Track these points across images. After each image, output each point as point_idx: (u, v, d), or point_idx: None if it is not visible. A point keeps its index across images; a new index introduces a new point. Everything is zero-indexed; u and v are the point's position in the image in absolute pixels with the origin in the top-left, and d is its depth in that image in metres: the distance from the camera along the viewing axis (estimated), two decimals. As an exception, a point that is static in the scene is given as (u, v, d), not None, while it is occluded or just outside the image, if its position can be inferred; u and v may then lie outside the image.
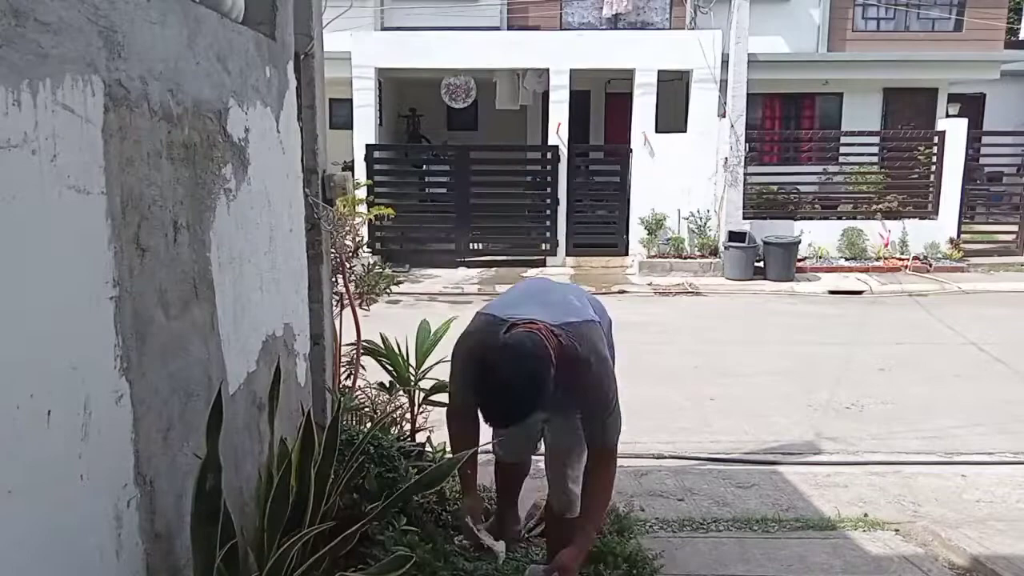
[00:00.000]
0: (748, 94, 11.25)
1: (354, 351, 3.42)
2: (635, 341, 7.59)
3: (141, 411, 1.58)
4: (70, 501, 1.37)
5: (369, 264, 3.67)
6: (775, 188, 12.71)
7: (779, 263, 10.83)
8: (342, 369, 3.35)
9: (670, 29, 13.64)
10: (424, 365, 3.49)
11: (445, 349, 3.39)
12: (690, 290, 10.26)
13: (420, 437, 3.50)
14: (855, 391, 5.81)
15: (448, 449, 2.84)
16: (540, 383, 2.01)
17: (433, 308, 7.70)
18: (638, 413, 5.31)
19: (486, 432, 2.30)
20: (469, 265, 11.70)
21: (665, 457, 4.48)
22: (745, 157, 11.48)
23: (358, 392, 3.43)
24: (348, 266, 3.32)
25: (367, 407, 3.41)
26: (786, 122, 15.22)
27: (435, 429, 3.61)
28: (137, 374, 1.56)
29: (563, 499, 2.69)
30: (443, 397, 3.27)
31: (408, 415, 3.53)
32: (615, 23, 13.91)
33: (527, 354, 2.02)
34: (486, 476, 3.33)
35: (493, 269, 11.56)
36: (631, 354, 6.99)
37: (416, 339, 3.53)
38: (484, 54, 11.72)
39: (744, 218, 11.46)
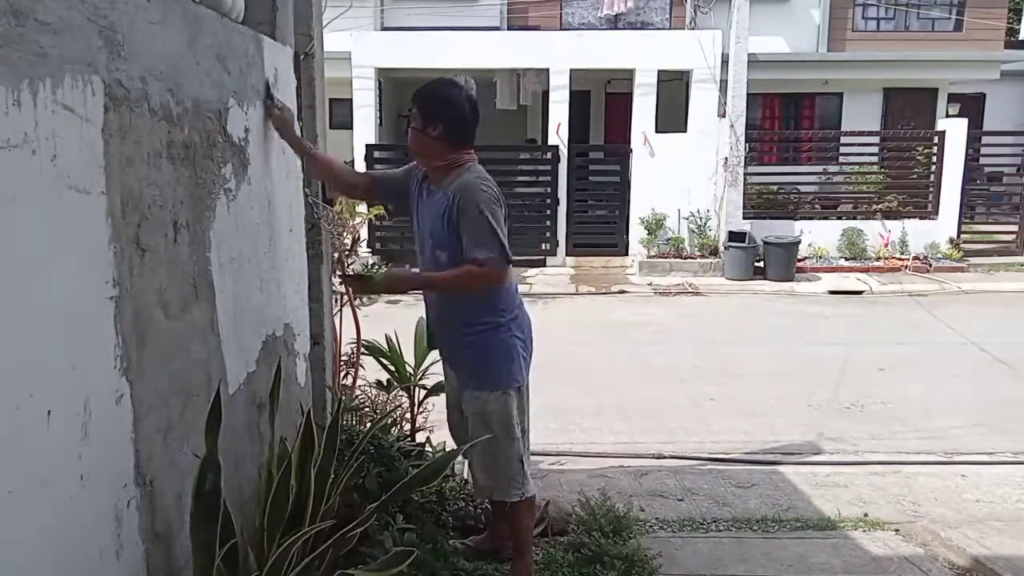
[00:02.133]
0: (748, 94, 11.25)
1: (354, 351, 3.42)
2: (635, 341, 7.61)
3: (141, 411, 1.58)
4: (70, 501, 1.37)
5: (367, 264, 3.67)
6: (775, 188, 12.71)
7: (779, 263, 10.83)
8: (342, 369, 3.35)
9: (670, 29, 13.64)
10: (423, 364, 3.49)
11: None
12: (690, 290, 10.26)
13: (420, 437, 3.50)
14: (855, 391, 5.81)
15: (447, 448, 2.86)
16: (453, 98, 2.58)
17: (433, 308, 7.65)
18: (638, 413, 5.34)
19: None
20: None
21: (665, 457, 4.48)
22: (745, 157, 11.47)
23: (358, 392, 3.43)
24: (346, 263, 3.32)
25: (367, 407, 3.41)
26: (786, 122, 15.23)
27: (435, 429, 3.61)
28: (137, 374, 1.56)
29: (476, 485, 2.81)
30: (443, 397, 3.27)
31: (408, 415, 3.53)
32: (615, 23, 13.91)
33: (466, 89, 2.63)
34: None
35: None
36: (631, 354, 7.03)
37: (414, 337, 3.53)
38: (484, 54, 11.71)
39: (744, 218, 11.46)
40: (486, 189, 2.52)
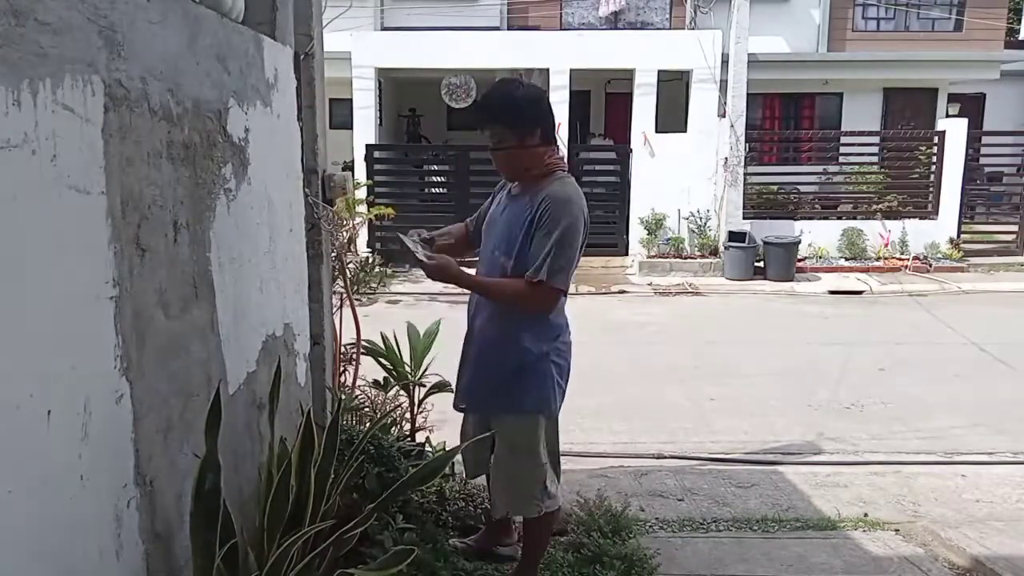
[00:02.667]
0: (748, 94, 11.26)
1: (353, 351, 3.42)
2: (635, 341, 7.61)
3: (141, 411, 1.58)
4: (70, 501, 1.37)
5: (362, 260, 3.67)
6: (775, 188, 12.71)
7: (779, 263, 10.83)
8: (341, 369, 3.35)
9: (670, 29, 13.65)
10: (423, 363, 3.49)
11: (441, 348, 3.40)
12: (690, 290, 10.26)
13: (420, 437, 3.50)
14: (855, 391, 5.81)
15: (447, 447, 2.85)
16: (524, 101, 2.42)
17: (433, 308, 7.68)
18: (638, 413, 5.34)
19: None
20: (469, 265, 11.67)
21: (665, 457, 4.48)
22: (745, 157, 11.48)
23: (358, 392, 3.43)
24: (344, 261, 3.32)
25: (367, 407, 3.41)
26: (786, 122, 15.24)
27: (435, 429, 3.61)
28: (137, 374, 1.56)
29: (495, 507, 2.77)
30: (444, 397, 3.27)
31: (408, 415, 3.53)
32: (615, 23, 13.91)
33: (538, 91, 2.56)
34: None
35: (493, 269, 11.55)
36: (631, 354, 7.02)
37: (408, 339, 3.53)
38: (484, 54, 11.72)
39: (744, 218, 11.46)
40: (579, 209, 2.38)
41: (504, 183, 2.61)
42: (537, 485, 2.59)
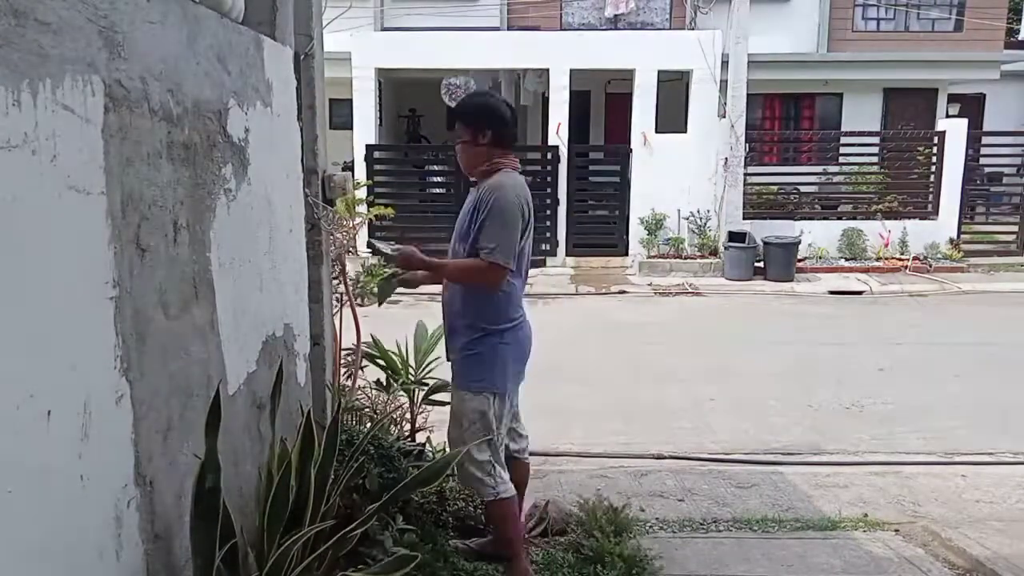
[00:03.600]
0: (748, 94, 11.25)
1: (354, 351, 3.42)
2: (635, 341, 7.60)
3: (141, 411, 1.58)
4: (70, 501, 1.37)
5: (364, 264, 3.67)
6: (775, 188, 12.71)
7: (779, 263, 10.83)
8: (342, 369, 3.35)
9: (670, 29, 13.65)
10: (423, 364, 3.49)
11: (442, 349, 3.39)
12: (690, 290, 10.26)
13: (420, 437, 3.50)
14: (855, 391, 5.80)
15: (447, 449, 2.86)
16: (492, 107, 2.75)
17: (433, 308, 7.64)
18: (638, 413, 5.34)
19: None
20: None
21: (665, 457, 4.48)
22: (745, 157, 11.47)
23: (358, 392, 3.43)
24: (345, 262, 3.32)
25: (367, 407, 3.41)
26: (786, 122, 15.24)
27: (435, 429, 3.61)
28: (137, 374, 1.56)
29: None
30: (444, 397, 3.27)
31: (408, 415, 3.53)
32: (615, 23, 13.91)
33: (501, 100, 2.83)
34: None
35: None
36: (631, 354, 7.02)
37: (414, 339, 3.53)
38: (484, 54, 11.72)
39: (744, 218, 11.46)
40: (513, 194, 2.63)
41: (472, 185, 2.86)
42: (483, 463, 2.71)
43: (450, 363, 2.88)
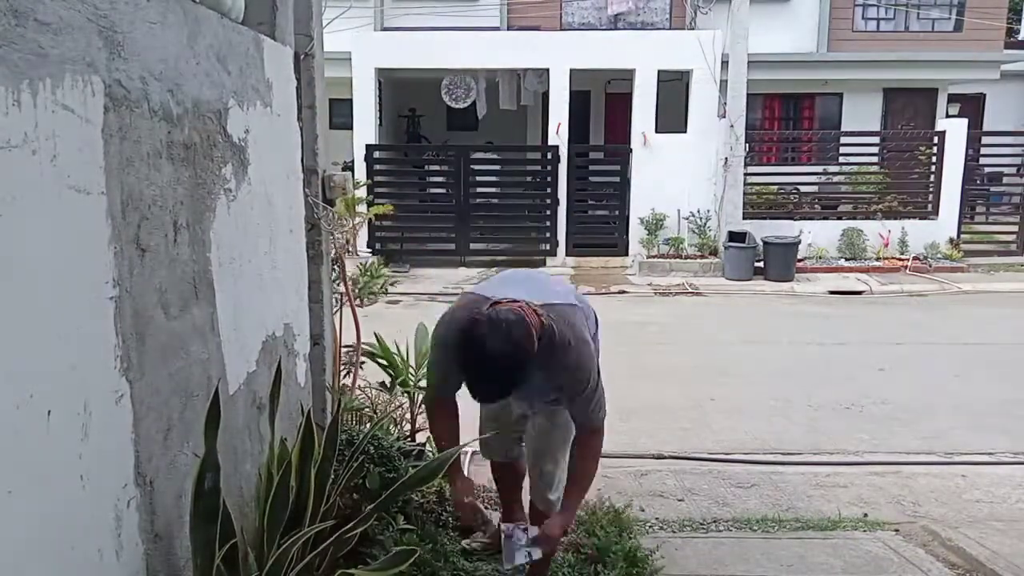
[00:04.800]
0: (748, 94, 11.25)
1: (353, 351, 3.42)
2: (635, 341, 7.60)
3: (141, 411, 1.58)
4: (70, 501, 1.37)
5: (364, 264, 3.67)
6: (775, 188, 12.71)
7: (779, 263, 10.83)
8: (342, 369, 3.35)
9: (670, 29, 13.64)
10: (423, 365, 3.49)
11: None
12: (690, 290, 10.26)
13: (420, 437, 3.50)
14: (855, 391, 5.80)
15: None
16: (523, 354, 2.04)
17: (432, 308, 7.66)
18: (638, 413, 5.33)
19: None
20: (469, 265, 11.71)
21: (665, 457, 4.48)
22: (745, 157, 11.47)
23: (358, 392, 3.43)
24: (344, 263, 3.32)
25: (367, 407, 3.41)
26: (786, 122, 15.24)
27: (435, 429, 3.61)
28: (137, 374, 1.56)
29: (545, 501, 2.71)
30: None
31: (408, 415, 3.53)
32: (615, 23, 13.91)
33: (510, 324, 2.04)
34: (483, 476, 3.33)
35: (493, 269, 11.54)
36: (631, 354, 7.01)
37: (415, 340, 3.53)
38: (484, 54, 11.72)
39: (744, 218, 11.46)
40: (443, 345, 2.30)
41: None
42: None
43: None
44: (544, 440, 2.64)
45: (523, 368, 2.06)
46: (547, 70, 11.72)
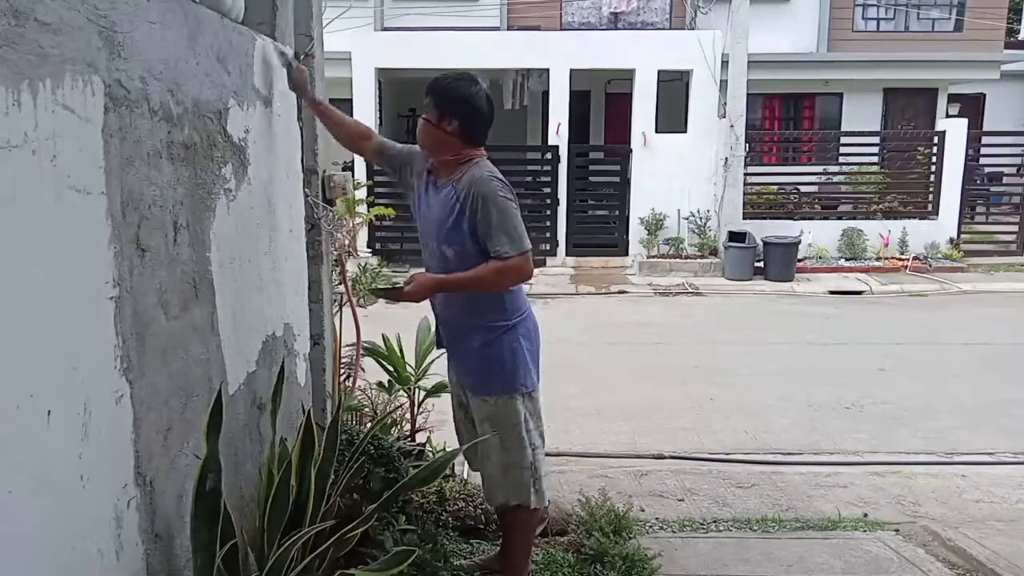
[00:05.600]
0: (748, 94, 11.25)
1: (354, 351, 3.42)
2: (635, 341, 7.60)
3: (141, 411, 1.58)
4: (70, 501, 1.37)
5: (364, 264, 3.67)
6: (775, 188, 12.71)
7: (779, 263, 10.83)
8: (342, 369, 3.35)
9: (670, 29, 13.65)
10: (424, 364, 3.48)
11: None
12: (690, 290, 10.26)
13: (420, 437, 3.50)
14: (855, 391, 5.81)
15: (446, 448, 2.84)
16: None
17: (433, 308, 7.63)
18: (638, 413, 5.33)
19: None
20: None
21: (665, 457, 4.48)
22: (745, 157, 11.47)
23: (358, 392, 3.43)
24: (345, 263, 3.32)
25: (367, 407, 3.41)
26: (786, 122, 15.24)
27: (435, 429, 3.61)
28: (137, 374, 1.56)
29: (493, 500, 2.72)
30: (444, 397, 3.27)
31: (408, 415, 3.53)
32: (615, 23, 13.92)
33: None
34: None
35: (493, 269, 11.55)
36: (631, 354, 7.02)
37: (416, 338, 3.52)
38: (484, 54, 11.72)
39: (744, 218, 11.46)
40: (500, 183, 2.47)
41: (424, 156, 2.66)
42: (526, 470, 2.59)
43: (456, 372, 2.71)
44: (477, 442, 2.63)
45: (465, 99, 2.51)
46: (547, 70, 11.72)
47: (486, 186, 2.43)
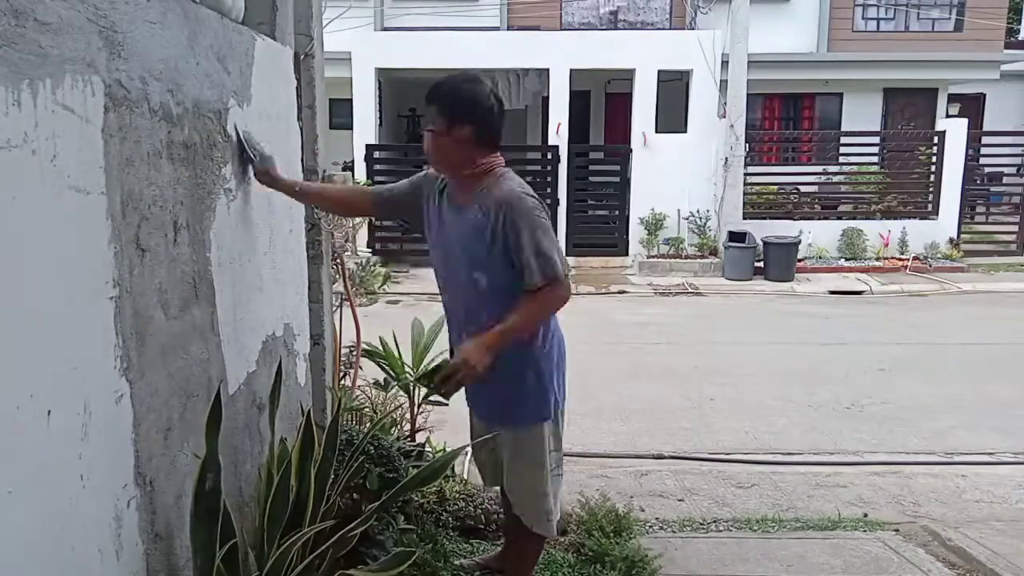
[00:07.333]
0: (748, 94, 11.25)
1: (353, 351, 3.42)
2: (635, 341, 7.60)
3: (141, 411, 1.58)
4: (70, 501, 1.37)
5: (362, 262, 3.67)
6: (775, 188, 12.72)
7: (779, 263, 10.83)
8: (341, 369, 3.35)
9: (670, 29, 13.65)
10: (422, 363, 3.48)
11: (442, 346, 3.38)
12: (690, 290, 10.26)
13: (420, 437, 3.50)
14: (855, 391, 5.81)
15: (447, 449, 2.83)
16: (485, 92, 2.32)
17: (432, 308, 7.59)
18: (638, 413, 5.33)
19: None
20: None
21: (665, 457, 4.48)
22: (745, 157, 11.47)
23: (358, 392, 3.43)
24: (344, 262, 3.32)
25: (367, 407, 3.41)
26: (786, 122, 15.25)
27: (435, 429, 3.61)
28: (137, 374, 1.56)
29: (513, 516, 2.62)
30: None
31: (408, 415, 3.53)
32: (615, 22, 13.92)
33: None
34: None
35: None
36: (631, 354, 7.02)
37: (411, 337, 3.52)
38: (484, 54, 11.72)
39: (744, 218, 11.46)
40: (533, 199, 2.25)
41: (431, 179, 2.46)
42: (546, 498, 2.48)
43: (484, 404, 2.51)
44: (508, 473, 2.53)
45: (474, 100, 2.29)
46: (547, 70, 11.72)
47: (520, 204, 2.21)
